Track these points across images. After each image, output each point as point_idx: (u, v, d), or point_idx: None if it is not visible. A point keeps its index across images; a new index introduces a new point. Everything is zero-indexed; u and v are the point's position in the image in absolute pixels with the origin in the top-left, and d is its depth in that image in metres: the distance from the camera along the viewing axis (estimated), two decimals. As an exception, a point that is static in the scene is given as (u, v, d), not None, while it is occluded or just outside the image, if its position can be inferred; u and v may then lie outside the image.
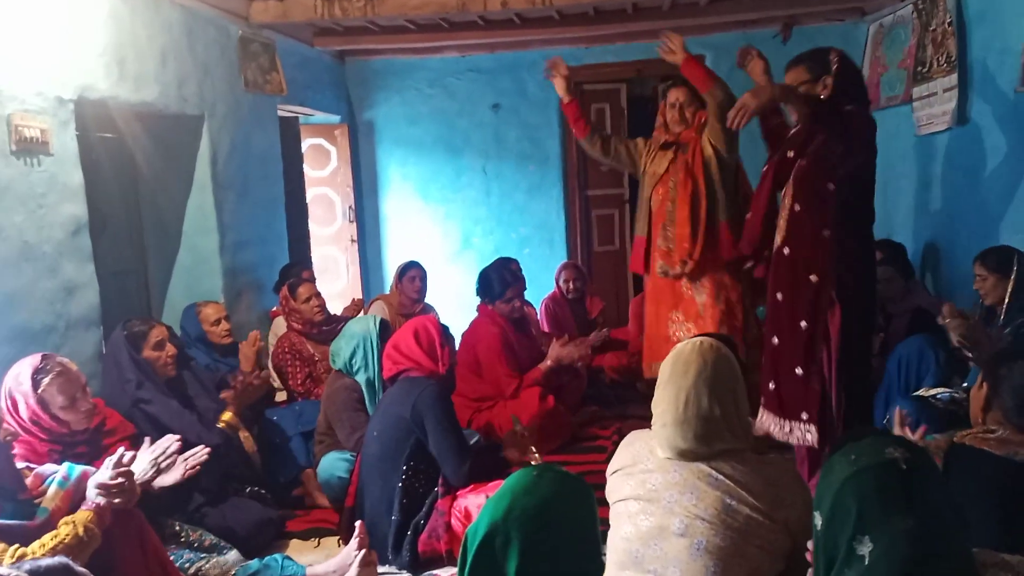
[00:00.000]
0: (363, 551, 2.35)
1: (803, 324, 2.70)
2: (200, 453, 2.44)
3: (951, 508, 1.19)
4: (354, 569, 2.33)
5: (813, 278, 2.69)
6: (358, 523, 2.46)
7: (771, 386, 2.79)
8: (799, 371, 2.71)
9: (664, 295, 3.63)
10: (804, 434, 2.69)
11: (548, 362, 3.84)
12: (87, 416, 2.46)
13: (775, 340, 2.79)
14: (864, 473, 1.20)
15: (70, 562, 1.41)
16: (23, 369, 2.38)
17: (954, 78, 3.89)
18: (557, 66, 3.73)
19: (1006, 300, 3.04)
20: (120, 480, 2.05)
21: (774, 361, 2.79)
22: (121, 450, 2.11)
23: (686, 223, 3.48)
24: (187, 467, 2.39)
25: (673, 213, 3.53)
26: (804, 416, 2.70)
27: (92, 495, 2.03)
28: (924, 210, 4.44)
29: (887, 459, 1.20)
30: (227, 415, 3.03)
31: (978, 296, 3.21)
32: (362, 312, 4.47)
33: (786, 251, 2.76)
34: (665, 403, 1.78)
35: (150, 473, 2.28)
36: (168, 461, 2.33)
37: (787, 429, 2.73)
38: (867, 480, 1.20)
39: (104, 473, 2.05)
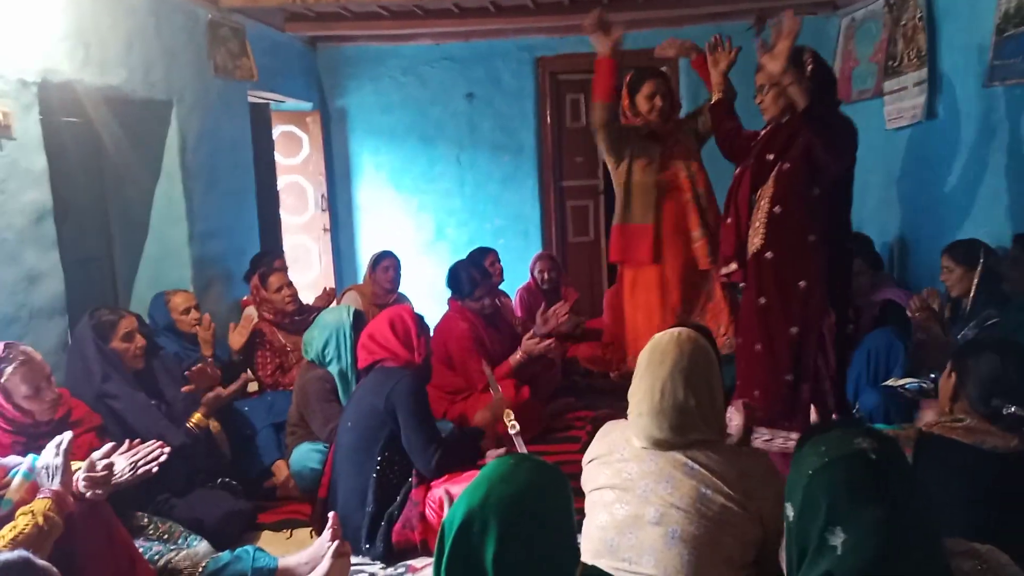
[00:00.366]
0: (336, 542, 2.33)
1: (793, 330, 2.68)
2: (154, 454, 2.29)
3: (921, 497, 1.20)
4: (327, 560, 2.32)
5: (802, 284, 2.67)
6: (331, 514, 2.44)
7: (756, 394, 2.75)
8: (788, 378, 2.69)
9: (672, 286, 3.51)
10: (787, 442, 2.66)
11: (518, 355, 3.82)
12: (52, 406, 2.40)
13: (758, 347, 2.74)
14: (834, 465, 1.21)
15: (31, 556, 1.38)
16: (-15, 359, 2.31)
17: (924, 73, 3.94)
18: (613, 23, 3.48)
19: (972, 292, 3.10)
20: (104, 473, 2.00)
21: (758, 368, 2.75)
22: (69, 434, 2.02)
23: (723, 210, 3.37)
24: (140, 467, 2.26)
25: (704, 199, 3.49)
26: (787, 424, 2.69)
27: (44, 482, 1.96)
28: (893, 203, 4.50)
29: (856, 450, 1.21)
30: (197, 416, 2.97)
31: (945, 288, 3.27)
32: (334, 302, 4.43)
33: (768, 255, 2.73)
34: (641, 393, 1.79)
35: (127, 475, 2.22)
36: (147, 467, 2.26)
37: (768, 438, 2.71)
38: (837, 471, 1.21)
39: (53, 459, 1.97)
